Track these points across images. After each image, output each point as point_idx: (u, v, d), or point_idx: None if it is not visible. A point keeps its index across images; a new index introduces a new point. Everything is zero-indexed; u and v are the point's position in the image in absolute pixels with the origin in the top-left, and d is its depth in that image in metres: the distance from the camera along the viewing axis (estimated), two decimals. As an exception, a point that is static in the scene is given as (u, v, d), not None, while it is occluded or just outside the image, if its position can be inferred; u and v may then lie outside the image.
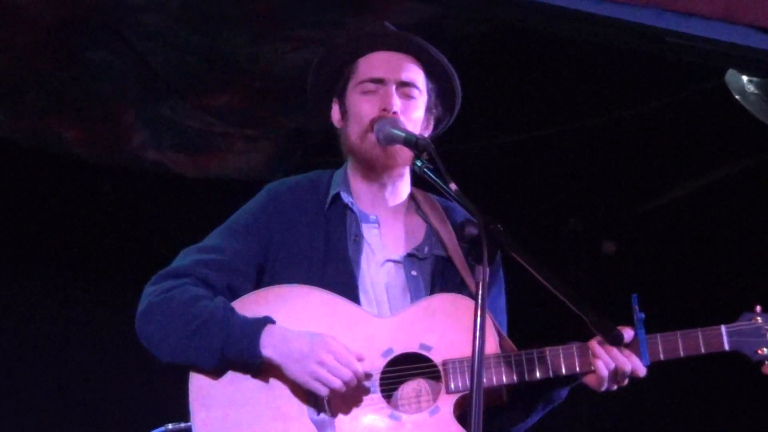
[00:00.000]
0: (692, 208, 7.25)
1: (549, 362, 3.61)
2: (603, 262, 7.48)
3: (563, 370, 3.62)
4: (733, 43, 4.84)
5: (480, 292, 3.29)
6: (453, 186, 3.50)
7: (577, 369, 3.62)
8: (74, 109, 6.40)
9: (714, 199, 7.10)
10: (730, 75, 5.65)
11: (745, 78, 5.66)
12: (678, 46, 4.85)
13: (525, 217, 6.89)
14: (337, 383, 3.54)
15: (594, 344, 3.61)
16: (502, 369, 3.61)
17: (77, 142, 6.53)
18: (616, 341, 3.52)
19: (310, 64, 4.04)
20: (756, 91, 5.67)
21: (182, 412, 3.70)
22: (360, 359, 3.57)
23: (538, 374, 3.60)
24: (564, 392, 3.75)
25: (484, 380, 3.48)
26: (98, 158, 6.63)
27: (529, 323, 4.01)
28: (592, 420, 7.55)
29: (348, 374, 3.54)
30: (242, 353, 3.59)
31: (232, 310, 3.65)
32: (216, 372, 3.63)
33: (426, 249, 3.85)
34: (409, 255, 3.84)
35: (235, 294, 3.74)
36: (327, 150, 4.13)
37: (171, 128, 6.52)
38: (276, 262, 3.79)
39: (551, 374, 3.60)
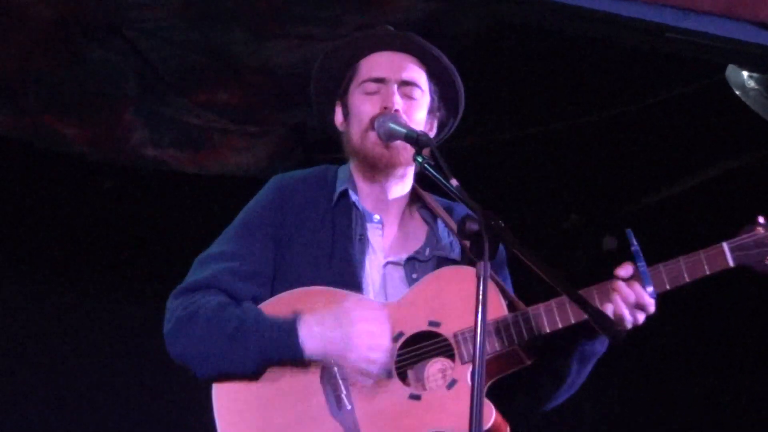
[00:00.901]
0: (693, 203, 7.26)
1: (556, 314, 3.61)
2: (604, 258, 7.49)
3: (572, 319, 3.61)
4: (734, 38, 4.85)
5: (481, 287, 3.28)
6: (454, 182, 3.51)
7: (572, 320, 3.61)
8: (74, 107, 6.39)
9: (716, 194, 7.11)
10: (731, 71, 5.67)
11: (745, 73, 5.68)
12: (678, 42, 4.86)
13: (526, 213, 6.91)
14: (376, 370, 3.59)
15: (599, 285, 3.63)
16: (509, 332, 3.62)
17: (77, 139, 6.52)
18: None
19: (309, 60, 4.07)
20: (756, 87, 5.69)
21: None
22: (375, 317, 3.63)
23: (548, 328, 3.62)
24: (597, 346, 3.73)
25: (496, 345, 3.58)
26: (98, 156, 6.62)
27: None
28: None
29: (385, 355, 3.59)
30: (284, 351, 3.61)
31: (262, 312, 3.67)
32: (255, 376, 3.64)
33: (427, 251, 3.86)
34: (410, 258, 3.84)
35: (258, 303, 3.75)
36: (327, 147, 4.14)
37: (171, 125, 6.51)
38: (286, 257, 3.80)
39: (560, 325, 3.60)
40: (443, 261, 3.83)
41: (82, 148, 6.57)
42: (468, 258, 3.76)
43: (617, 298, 3.61)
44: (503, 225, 3.37)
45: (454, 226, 3.79)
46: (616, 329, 3.49)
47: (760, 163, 6.73)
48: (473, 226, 3.38)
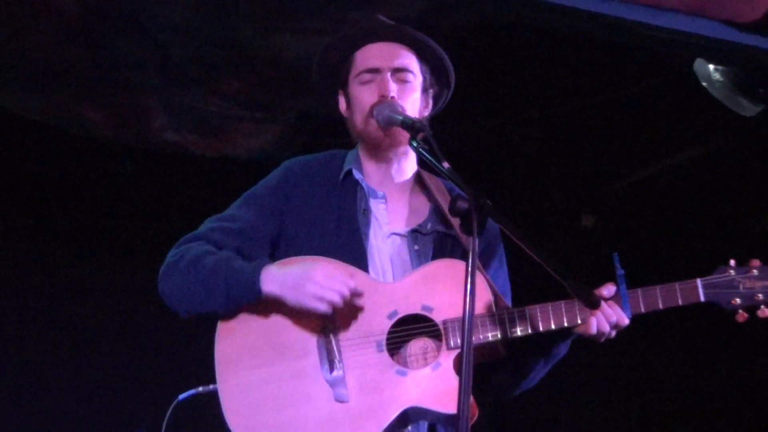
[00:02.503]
0: (665, 184, 7.27)
1: (539, 318, 3.62)
2: (582, 234, 7.50)
3: (552, 325, 3.62)
4: (701, 35, 4.84)
5: (470, 260, 3.27)
6: (446, 164, 3.50)
7: (565, 323, 3.62)
8: (100, 95, 6.39)
9: (684, 176, 7.12)
10: (698, 64, 5.68)
11: (711, 67, 5.68)
12: (651, 38, 4.85)
13: (512, 194, 6.91)
14: (333, 296, 3.56)
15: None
16: (496, 325, 3.62)
17: (102, 124, 6.52)
18: (593, 305, 3.52)
19: (315, 52, 4.05)
20: (721, 79, 5.69)
21: (210, 377, 3.70)
22: (352, 275, 3.60)
23: (529, 329, 3.62)
24: (563, 348, 3.75)
25: (480, 336, 3.57)
26: (122, 139, 6.63)
27: (517, 290, 4.01)
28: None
29: (341, 286, 3.56)
30: (245, 292, 3.61)
31: (235, 258, 3.67)
32: (226, 316, 3.65)
33: (429, 225, 3.86)
34: (413, 231, 3.85)
35: (245, 258, 3.74)
36: (331, 131, 4.14)
37: (188, 112, 6.51)
38: (291, 230, 3.81)
39: (541, 329, 3.61)
40: (443, 236, 3.84)
41: (107, 132, 6.56)
42: (458, 227, 3.74)
43: (601, 316, 3.61)
44: (490, 203, 3.38)
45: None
46: (594, 301, 3.51)
47: (723, 146, 6.74)
48: (463, 205, 3.39)
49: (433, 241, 3.84)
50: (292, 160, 3.97)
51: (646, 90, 6.32)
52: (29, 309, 6.73)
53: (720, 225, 7.30)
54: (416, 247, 3.81)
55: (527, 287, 3.96)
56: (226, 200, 3.98)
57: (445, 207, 3.84)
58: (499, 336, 3.62)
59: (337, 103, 3.98)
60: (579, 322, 3.62)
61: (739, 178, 7.05)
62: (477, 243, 3.31)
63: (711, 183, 7.15)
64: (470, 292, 3.26)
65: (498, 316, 3.63)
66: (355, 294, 3.59)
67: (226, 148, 6.76)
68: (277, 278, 3.60)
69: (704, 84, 5.72)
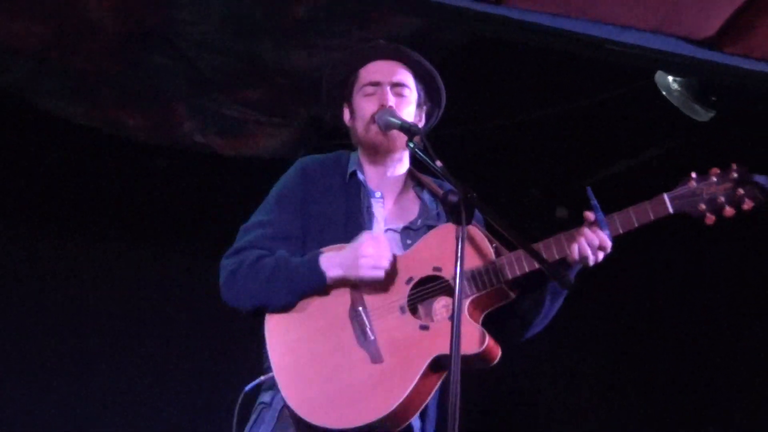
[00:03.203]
0: (631, 181, 7.26)
1: (539, 252, 3.64)
2: (557, 224, 7.48)
3: (555, 254, 3.65)
4: (662, 50, 4.83)
5: (460, 246, 3.38)
6: (439, 163, 3.59)
7: (556, 255, 3.65)
8: (137, 102, 6.43)
9: (646, 174, 7.11)
10: (659, 75, 5.69)
11: (670, 78, 5.69)
12: (617, 53, 4.85)
13: (496, 189, 6.91)
14: (384, 262, 3.63)
15: (581, 229, 3.66)
16: (497, 272, 3.66)
17: (139, 128, 6.56)
18: (566, 285, 3.58)
19: (324, 65, 4.11)
20: (678, 88, 5.69)
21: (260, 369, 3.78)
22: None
23: (526, 267, 3.65)
24: (571, 273, 3.72)
25: (494, 282, 3.63)
26: (156, 141, 6.66)
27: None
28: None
29: (387, 253, 3.64)
30: (310, 282, 3.68)
31: (289, 257, 3.74)
32: (290, 307, 3.71)
33: (419, 222, 3.92)
34: (405, 227, 3.91)
35: None
36: (337, 134, 4.19)
37: (214, 117, 6.55)
38: (308, 222, 3.86)
39: (536, 265, 3.62)
40: (431, 229, 3.87)
41: (143, 134, 6.61)
42: (447, 217, 3.81)
43: (582, 240, 3.65)
44: (477, 197, 3.45)
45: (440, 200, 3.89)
46: (564, 277, 3.57)
47: (681, 148, 6.75)
48: (453, 198, 3.46)
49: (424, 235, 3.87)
50: (305, 159, 4.02)
51: (614, 98, 6.32)
52: (89, 300, 6.65)
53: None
54: (408, 242, 3.87)
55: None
56: (244, 194, 4.06)
57: (431, 201, 3.93)
58: (517, 273, 3.65)
59: (342, 113, 4.04)
60: (568, 252, 3.64)
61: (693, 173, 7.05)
62: (465, 231, 3.39)
63: (668, 179, 7.15)
64: (459, 276, 3.36)
65: (498, 263, 3.66)
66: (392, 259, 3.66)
67: (246, 148, 6.78)
68: (336, 263, 3.68)
69: (664, 93, 5.72)
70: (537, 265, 3.61)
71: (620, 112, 6.45)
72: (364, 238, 3.68)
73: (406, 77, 3.96)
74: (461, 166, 3.79)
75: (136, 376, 6.58)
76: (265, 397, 3.79)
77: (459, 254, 3.37)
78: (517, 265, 3.65)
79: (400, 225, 3.91)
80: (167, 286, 6.68)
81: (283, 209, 3.87)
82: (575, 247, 3.63)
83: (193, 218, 6.70)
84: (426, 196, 3.97)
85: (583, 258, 3.64)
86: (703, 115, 5.77)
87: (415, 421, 3.72)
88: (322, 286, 3.70)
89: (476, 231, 3.70)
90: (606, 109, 6.44)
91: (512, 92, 6.46)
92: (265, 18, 5.86)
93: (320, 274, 3.68)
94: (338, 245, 3.75)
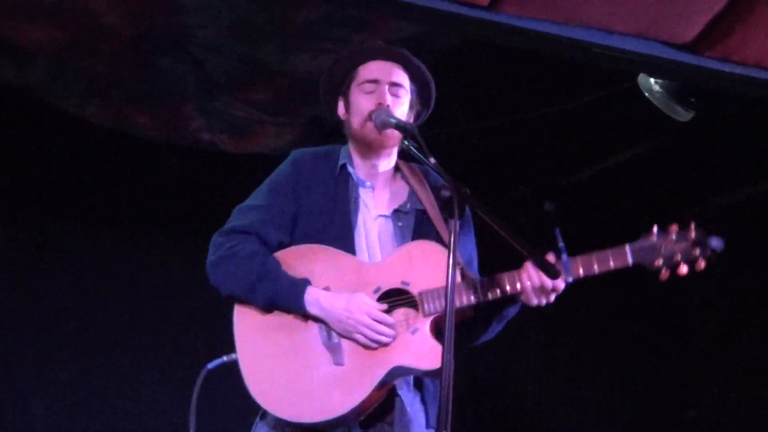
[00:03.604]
0: (613, 176, 7.27)
1: (495, 285, 3.66)
2: (545, 217, 7.49)
3: (507, 289, 3.65)
4: (645, 53, 4.83)
5: (452, 238, 3.36)
6: (432, 160, 3.59)
7: (517, 287, 3.64)
8: (147, 102, 6.41)
9: (628, 171, 7.13)
10: (641, 78, 5.69)
11: (652, 80, 5.68)
12: (602, 56, 4.85)
13: (487, 185, 6.90)
14: (378, 337, 3.61)
15: (526, 266, 3.66)
16: (466, 293, 3.66)
17: (149, 127, 6.53)
18: (553, 275, 3.58)
19: (325, 68, 4.07)
20: (660, 90, 5.69)
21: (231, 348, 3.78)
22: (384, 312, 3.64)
23: (489, 296, 3.65)
24: (513, 309, 3.79)
25: (456, 303, 3.55)
26: (165, 139, 6.64)
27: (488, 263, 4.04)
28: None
29: (389, 332, 3.62)
30: (290, 306, 3.66)
31: (280, 268, 3.71)
32: (264, 311, 3.69)
33: (408, 205, 3.90)
34: (396, 211, 3.89)
35: (282, 246, 3.80)
36: (337, 133, 4.18)
37: (220, 116, 6.52)
38: (299, 210, 3.84)
39: (498, 294, 3.65)
40: (421, 213, 3.88)
41: (153, 133, 6.58)
42: (440, 210, 3.82)
43: (535, 282, 3.64)
44: (468, 191, 3.44)
45: (428, 185, 3.89)
46: (556, 274, 3.57)
47: (662, 146, 6.75)
48: (446, 193, 3.45)
49: (414, 219, 3.88)
50: (298, 151, 4.01)
51: (599, 99, 6.34)
52: (99, 295, 6.66)
53: (656, 206, 7.28)
54: (400, 224, 3.86)
55: (493, 260, 3.99)
56: (249, 189, 4.02)
57: (423, 189, 3.89)
58: (473, 300, 3.66)
59: (336, 106, 4.02)
60: (518, 289, 3.65)
61: (675, 170, 7.06)
62: (458, 224, 3.38)
63: (651, 175, 7.16)
64: (452, 265, 3.34)
65: (470, 285, 3.66)
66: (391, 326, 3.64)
67: (251, 146, 6.76)
68: (323, 305, 3.65)
69: (646, 94, 5.72)
70: (506, 293, 3.63)
71: (605, 113, 6.45)
72: (357, 303, 3.64)
73: (403, 78, 3.94)
74: (454, 163, 3.78)
75: (135, 366, 6.63)
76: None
77: (452, 247, 3.36)
78: (517, 281, 3.66)
79: (390, 210, 3.89)
80: (172, 278, 6.69)
81: (275, 197, 3.85)
82: (528, 289, 3.65)
83: (199, 213, 6.58)
84: (414, 182, 3.94)
85: (540, 300, 3.66)
86: (684, 115, 5.77)
87: (407, 393, 3.74)
88: (297, 312, 3.67)
89: (444, 249, 3.67)
90: (592, 110, 6.45)
91: (502, 93, 6.46)
92: (269, 23, 5.86)
93: (300, 305, 3.66)
94: (321, 249, 3.75)
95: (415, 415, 3.74)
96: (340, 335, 3.64)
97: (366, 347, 3.63)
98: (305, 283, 3.68)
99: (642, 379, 7.50)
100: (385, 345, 3.62)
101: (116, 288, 6.67)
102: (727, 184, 7.11)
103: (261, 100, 6.45)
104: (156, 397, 6.55)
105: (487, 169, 7.08)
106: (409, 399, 3.74)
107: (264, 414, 3.75)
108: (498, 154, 7.12)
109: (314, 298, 3.65)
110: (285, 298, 3.66)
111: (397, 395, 3.71)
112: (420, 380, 3.77)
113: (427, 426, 3.75)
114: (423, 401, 3.77)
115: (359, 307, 3.63)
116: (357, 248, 3.79)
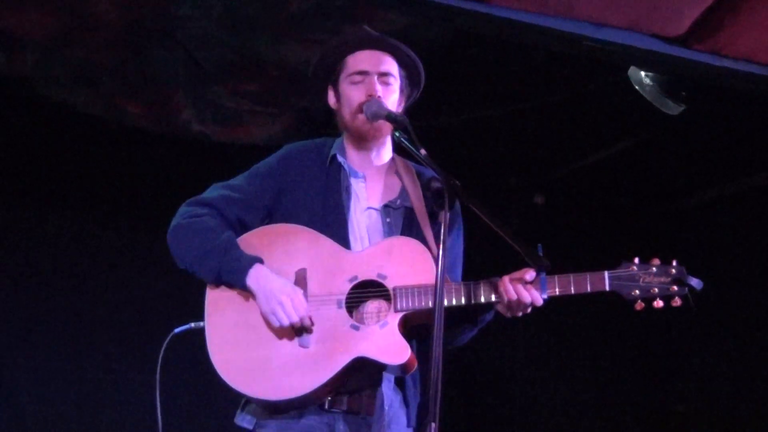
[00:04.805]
0: (602, 170, 7.29)
1: (472, 292, 3.64)
2: (534, 209, 7.51)
3: (482, 298, 3.64)
4: (635, 46, 4.84)
5: (443, 230, 3.36)
6: (423, 151, 3.58)
7: (493, 298, 3.64)
8: (138, 92, 6.41)
9: (618, 164, 7.14)
10: (632, 70, 5.69)
11: (642, 73, 5.69)
12: (593, 49, 4.86)
13: (477, 177, 6.93)
14: (286, 321, 3.60)
15: (503, 280, 3.64)
16: (463, 293, 3.64)
17: (140, 116, 6.53)
18: (542, 268, 3.57)
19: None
20: (651, 83, 5.70)
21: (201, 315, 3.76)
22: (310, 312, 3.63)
23: (464, 302, 3.63)
24: (488, 316, 3.78)
25: (429, 304, 3.58)
26: (155, 129, 6.64)
27: (476, 260, 4.05)
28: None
29: (295, 318, 3.60)
30: (232, 279, 3.65)
31: (235, 245, 3.70)
32: (215, 285, 3.70)
33: (398, 202, 3.89)
34: (386, 206, 3.88)
35: (244, 226, 3.80)
36: (327, 124, 4.18)
37: (211, 107, 6.52)
38: (286, 203, 3.84)
39: (472, 301, 3.63)
40: (410, 211, 3.87)
41: (144, 122, 6.57)
42: (430, 207, 3.82)
43: (516, 297, 3.62)
44: (459, 184, 3.44)
45: (419, 184, 3.89)
46: (543, 264, 3.56)
47: (652, 138, 6.76)
48: (436, 185, 3.45)
49: (403, 215, 3.87)
50: (290, 145, 4.00)
51: (590, 92, 6.34)
52: (89, 283, 6.68)
53: (643, 203, 7.31)
54: (388, 220, 3.84)
55: (482, 254, 3.99)
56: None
57: (415, 188, 3.90)
58: (453, 303, 3.63)
59: (327, 96, 4.01)
60: (494, 300, 3.64)
61: (664, 163, 7.08)
62: (448, 216, 3.39)
63: (641, 169, 7.19)
64: (442, 256, 3.34)
65: (448, 290, 3.62)
66: (305, 322, 3.62)
67: (241, 136, 6.76)
68: (261, 282, 3.64)
69: (637, 87, 5.72)
70: (480, 302, 3.62)
71: (596, 106, 6.47)
72: (291, 289, 3.64)
73: (392, 66, 3.93)
74: (444, 155, 3.77)
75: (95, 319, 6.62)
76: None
77: (442, 238, 3.35)
78: (495, 291, 3.64)
79: (380, 204, 3.88)
80: (160, 266, 6.59)
81: (252, 182, 3.86)
82: (504, 302, 3.63)
83: (187, 197, 6.62)
84: (406, 179, 3.94)
85: (516, 312, 3.65)
86: (674, 108, 5.78)
87: (388, 391, 3.73)
88: (239, 285, 3.66)
89: (425, 250, 3.68)
90: (582, 103, 6.45)
91: (494, 85, 6.45)
92: (260, 14, 5.85)
93: (241, 277, 3.64)
94: (303, 229, 3.74)
95: (395, 414, 3.73)
96: (262, 315, 3.65)
97: (289, 328, 3.62)
98: (255, 260, 3.67)
99: (630, 373, 7.52)
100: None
101: (104, 276, 6.66)
102: (716, 178, 7.14)
103: (252, 90, 6.44)
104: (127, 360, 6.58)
105: (477, 162, 7.08)
106: (389, 396, 3.73)
107: (246, 404, 3.76)
108: (488, 147, 7.13)
109: (257, 273, 3.64)
110: (229, 271, 3.65)
111: (380, 390, 3.70)
112: (402, 380, 3.74)
113: (408, 425, 3.76)
114: (404, 401, 3.76)
115: (290, 294, 3.61)
116: (350, 239, 3.78)
